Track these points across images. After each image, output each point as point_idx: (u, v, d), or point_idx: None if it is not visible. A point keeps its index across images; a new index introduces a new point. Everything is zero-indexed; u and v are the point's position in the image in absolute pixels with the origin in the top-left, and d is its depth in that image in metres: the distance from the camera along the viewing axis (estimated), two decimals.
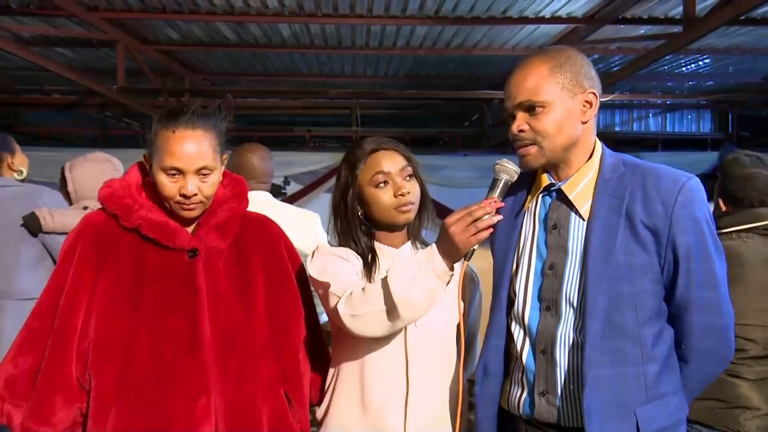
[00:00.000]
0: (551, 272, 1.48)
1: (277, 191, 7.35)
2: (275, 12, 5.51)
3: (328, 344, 1.77)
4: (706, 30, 4.60)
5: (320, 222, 2.79)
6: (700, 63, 7.57)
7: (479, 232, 1.41)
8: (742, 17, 4.82)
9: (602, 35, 5.98)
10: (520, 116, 1.46)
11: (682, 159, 8.26)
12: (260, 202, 2.52)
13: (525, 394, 1.50)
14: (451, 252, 1.43)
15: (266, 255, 1.66)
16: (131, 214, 1.53)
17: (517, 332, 1.53)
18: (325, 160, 9.27)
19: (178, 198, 1.51)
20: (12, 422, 1.49)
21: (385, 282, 1.46)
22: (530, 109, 1.45)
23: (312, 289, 1.71)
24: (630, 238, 1.42)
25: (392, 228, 1.71)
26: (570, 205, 1.49)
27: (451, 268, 1.46)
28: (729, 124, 10.09)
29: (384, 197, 1.65)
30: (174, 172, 1.49)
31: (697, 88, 9.00)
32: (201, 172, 1.51)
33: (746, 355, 2.14)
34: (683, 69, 7.82)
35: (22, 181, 2.76)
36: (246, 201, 1.67)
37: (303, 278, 1.72)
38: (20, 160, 2.71)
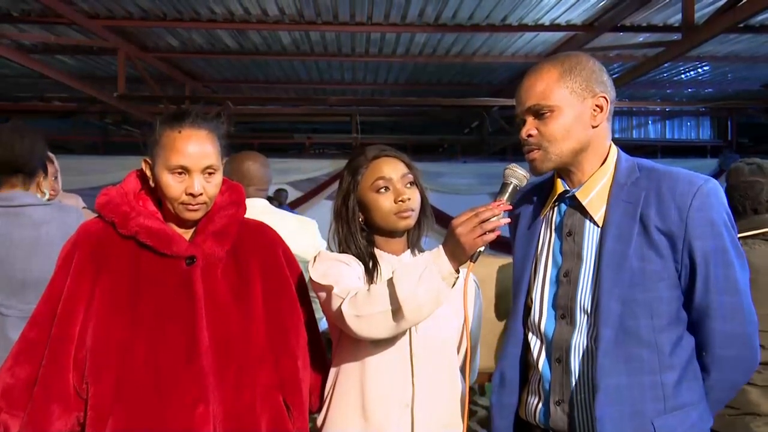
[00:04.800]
0: (566, 279, 1.47)
1: None
2: (275, 19, 5.54)
3: (327, 352, 1.76)
4: (705, 37, 4.62)
5: (318, 229, 2.79)
6: (699, 70, 7.59)
7: (486, 233, 1.39)
8: (741, 25, 4.84)
9: (601, 43, 6.00)
10: (530, 121, 1.46)
11: (681, 166, 8.19)
12: (259, 209, 2.52)
13: (541, 404, 1.49)
14: (457, 253, 1.42)
15: (264, 261, 1.65)
16: (128, 222, 1.53)
17: (534, 341, 1.51)
18: (325, 167, 9.28)
19: (184, 198, 1.51)
20: None
21: (390, 282, 1.45)
22: (539, 113, 1.44)
23: (312, 295, 1.71)
24: (644, 244, 1.39)
25: (392, 234, 1.71)
26: (584, 212, 1.47)
27: (457, 270, 1.44)
28: (728, 131, 10.12)
29: (384, 203, 1.66)
30: (181, 171, 1.50)
31: (696, 96, 9.03)
32: (206, 171, 1.52)
33: None
34: (682, 76, 7.84)
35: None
36: (243, 208, 1.67)
37: (301, 284, 1.71)
38: (48, 185, 2.67)
